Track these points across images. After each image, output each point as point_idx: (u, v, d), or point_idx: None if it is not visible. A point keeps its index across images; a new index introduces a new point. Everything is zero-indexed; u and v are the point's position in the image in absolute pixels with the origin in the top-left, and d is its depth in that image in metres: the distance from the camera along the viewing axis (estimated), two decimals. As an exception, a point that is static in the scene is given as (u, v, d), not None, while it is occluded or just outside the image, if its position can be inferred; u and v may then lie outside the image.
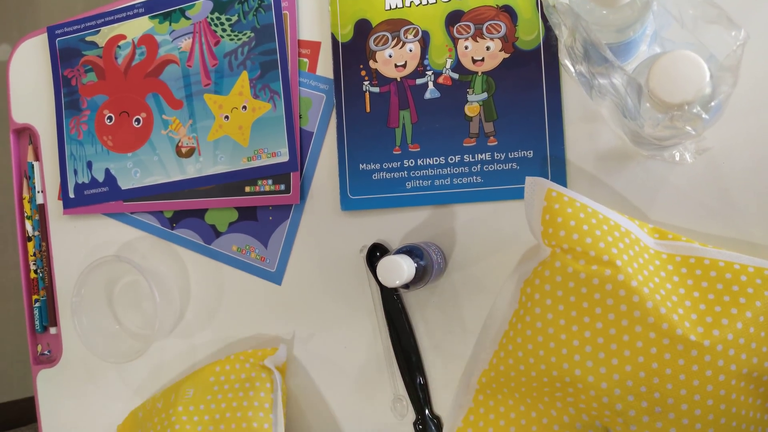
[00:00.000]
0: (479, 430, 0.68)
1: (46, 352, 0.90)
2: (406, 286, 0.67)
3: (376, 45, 0.75)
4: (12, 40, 2.05)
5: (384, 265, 0.64)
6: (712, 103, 0.47)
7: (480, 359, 0.68)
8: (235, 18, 0.80)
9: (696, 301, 0.61)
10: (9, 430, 1.35)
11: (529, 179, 0.63)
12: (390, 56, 0.75)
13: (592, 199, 0.64)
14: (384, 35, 0.75)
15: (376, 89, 0.75)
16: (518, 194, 0.71)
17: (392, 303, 0.75)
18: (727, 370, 0.58)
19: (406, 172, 0.74)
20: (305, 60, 0.79)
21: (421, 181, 0.74)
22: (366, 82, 0.75)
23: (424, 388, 0.74)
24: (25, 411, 1.45)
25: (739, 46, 0.45)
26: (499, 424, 0.67)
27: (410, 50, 0.74)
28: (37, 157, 0.90)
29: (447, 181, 0.73)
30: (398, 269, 0.63)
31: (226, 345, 0.82)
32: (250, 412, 0.73)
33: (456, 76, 0.73)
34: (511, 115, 0.71)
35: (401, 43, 0.74)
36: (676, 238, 0.64)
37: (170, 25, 0.83)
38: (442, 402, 0.74)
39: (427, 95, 0.74)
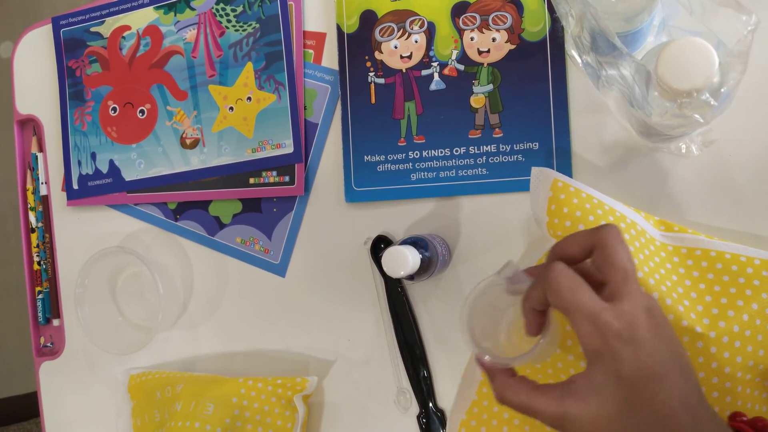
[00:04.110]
0: (483, 422, 0.68)
1: (48, 344, 0.90)
2: (411, 277, 0.67)
3: (381, 36, 0.75)
4: (15, 36, 2.05)
5: (389, 255, 0.63)
6: (722, 90, 0.46)
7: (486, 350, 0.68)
8: (240, 9, 0.80)
9: (702, 293, 0.60)
10: (10, 425, 1.35)
11: (535, 169, 0.63)
12: (395, 47, 0.74)
13: (598, 191, 0.63)
14: (389, 26, 0.75)
15: (382, 80, 0.75)
16: (523, 186, 0.71)
17: (396, 295, 0.74)
18: (733, 361, 0.57)
19: (411, 164, 0.74)
20: (310, 51, 0.78)
21: (426, 173, 0.73)
22: (371, 74, 0.75)
23: (428, 381, 0.74)
24: (27, 406, 1.45)
25: (750, 31, 0.44)
26: (503, 416, 0.67)
27: (416, 41, 0.74)
28: (41, 148, 0.89)
29: (452, 173, 0.73)
30: (403, 260, 0.63)
31: (229, 337, 0.82)
32: None
33: (462, 67, 0.73)
34: (517, 106, 0.71)
35: (407, 34, 0.74)
36: (682, 230, 0.64)
37: (175, 15, 0.83)
38: (445, 395, 0.74)
39: (433, 86, 0.73)
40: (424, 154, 0.73)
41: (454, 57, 0.73)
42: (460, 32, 0.73)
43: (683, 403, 0.43)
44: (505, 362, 0.49)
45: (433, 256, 0.67)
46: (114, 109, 0.85)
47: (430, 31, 0.73)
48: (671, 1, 0.53)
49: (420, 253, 0.65)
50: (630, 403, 0.43)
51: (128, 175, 0.84)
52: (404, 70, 0.74)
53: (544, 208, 0.62)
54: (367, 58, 0.75)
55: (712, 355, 0.57)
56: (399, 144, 0.74)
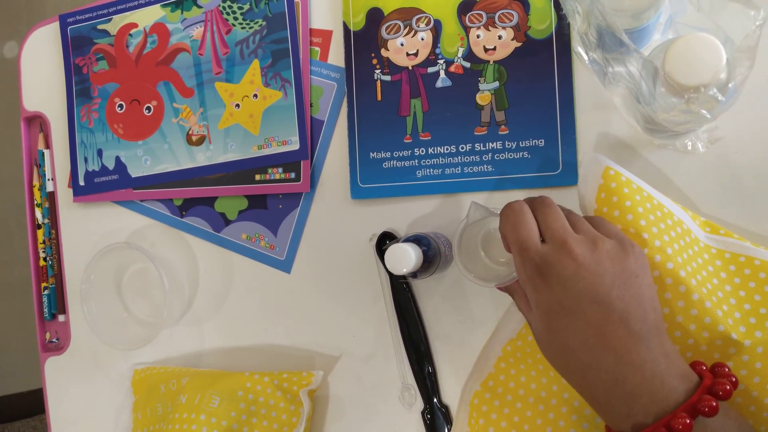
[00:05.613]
0: (497, 396, 0.67)
1: (54, 340, 0.90)
2: (414, 274, 0.67)
3: (387, 33, 0.75)
4: (19, 36, 2.06)
5: (392, 252, 0.64)
6: (729, 85, 0.47)
7: (508, 329, 0.68)
8: (246, 6, 0.80)
9: (741, 300, 0.59)
10: (15, 421, 1.35)
11: (587, 155, 0.62)
12: (402, 45, 0.75)
13: (649, 185, 0.62)
14: (396, 24, 0.75)
15: (388, 78, 0.75)
16: (529, 183, 0.71)
17: (401, 292, 0.75)
18: (764, 373, 0.56)
19: (416, 161, 0.74)
20: (317, 48, 0.79)
21: (431, 170, 0.74)
22: (377, 71, 0.75)
23: (433, 377, 0.74)
24: (31, 403, 1.46)
25: (758, 26, 0.45)
26: (518, 393, 0.66)
27: (422, 39, 0.74)
28: (48, 145, 0.90)
29: (458, 170, 0.73)
30: (406, 257, 0.63)
31: (234, 333, 0.82)
32: None
33: (468, 64, 0.73)
34: (523, 104, 0.71)
35: (413, 31, 0.74)
36: (727, 234, 0.63)
37: (182, 13, 0.83)
38: (450, 391, 0.74)
39: (439, 84, 0.74)
40: (430, 150, 0.74)
41: (460, 54, 0.73)
42: (467, 30, 0.73)
43: (602, 341, 0.47)
44: (509, 281, 0.58)
45: (435, 253, 0.68)
46: (120, 106, 0.86)
47: (437, 29, 0.74)
48: (678, -3, 0.54)
49: (423, 251, 0.65)
50: (548, 330, 0.50)
51: (134, 171, 0.85)
52: (410, 68, 0.74)
53: (593, 196, 0.60)
54: (373, 55, 0.76)
55: (744, 363, 0.56)
56: (405, 141, 0.74)
